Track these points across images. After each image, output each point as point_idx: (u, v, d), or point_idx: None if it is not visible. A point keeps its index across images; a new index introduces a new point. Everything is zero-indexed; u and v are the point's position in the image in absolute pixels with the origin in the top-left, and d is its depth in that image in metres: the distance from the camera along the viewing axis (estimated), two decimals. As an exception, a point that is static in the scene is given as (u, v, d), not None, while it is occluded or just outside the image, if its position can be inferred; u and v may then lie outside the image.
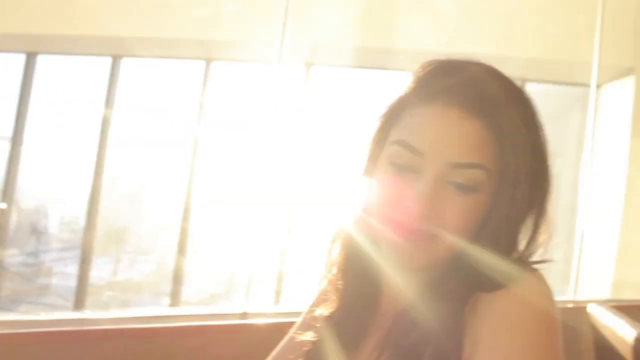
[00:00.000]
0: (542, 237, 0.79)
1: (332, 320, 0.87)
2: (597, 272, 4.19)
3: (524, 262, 0.77)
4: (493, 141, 0.73)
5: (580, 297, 2.65)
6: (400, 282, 0.81)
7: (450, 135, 0.72)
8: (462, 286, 0.74)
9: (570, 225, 3.07)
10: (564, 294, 2.73)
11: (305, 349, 0.88)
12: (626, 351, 1.87)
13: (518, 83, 0.79)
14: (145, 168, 3.66)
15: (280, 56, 1.95)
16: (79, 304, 3.58)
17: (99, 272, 3.76)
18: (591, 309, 2.33)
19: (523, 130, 0.74)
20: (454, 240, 0.74)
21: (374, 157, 0.81)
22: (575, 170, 3.36)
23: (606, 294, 4.11)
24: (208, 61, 3.73)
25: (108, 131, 3.71)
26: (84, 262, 3.66)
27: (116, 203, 3.80)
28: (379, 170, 0.78)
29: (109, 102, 3.79)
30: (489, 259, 0.74)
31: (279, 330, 1.01)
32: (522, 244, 0.78)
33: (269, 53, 1.96)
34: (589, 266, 4.16)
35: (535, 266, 0.76)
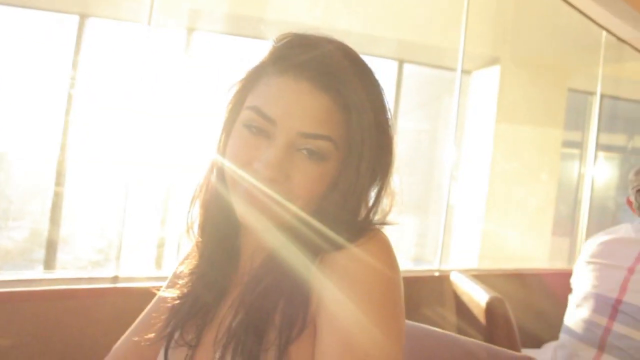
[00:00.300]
0: (385, 205, 0.85)
1: (193, 276, 0.90)
2: (468, 245, 4.50)
3: (367, 225, 0.83)
4: (340, 115, 0.78)
5: (445, 266, 2.85)
6: (254, 240, 0.86)
7: (300, 107, 0.76)
8: (309, 246, 0.79)
9: (440, 202, 3.27)
10: (432, 264, 2.92)
11: (169, 304, 0.90)
12: (480, 313, 2.04)
13: (368, 62, 0.84)
14: (12, 128, 3.40)
15: (150, 17, 1.91)
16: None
17: (-38, 239, 3.47)
18: (453, 277, 2.52)
19: (369, 108, 0.79)
20: (301, 204, 0.79)
21: (230, 120, 0.84)
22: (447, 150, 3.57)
23: (474, 264, 4.42)
24: (82, 17, 3.50)
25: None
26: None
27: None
28: (234, 134, 0.81)
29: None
30: (334, 222, 0.80)
31: (150, 293, 1.03)
32: (365, 211, 0.84)
33: (143, 13, 1.90)
34: (462, 239, 4.46)
35: (379, 228, 0.82)
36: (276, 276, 0.79)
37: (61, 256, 3.44)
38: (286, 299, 0.78)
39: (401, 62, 4.46)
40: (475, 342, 1.21)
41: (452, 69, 3.31)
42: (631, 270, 1.75)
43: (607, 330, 1.72)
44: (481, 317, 2.03)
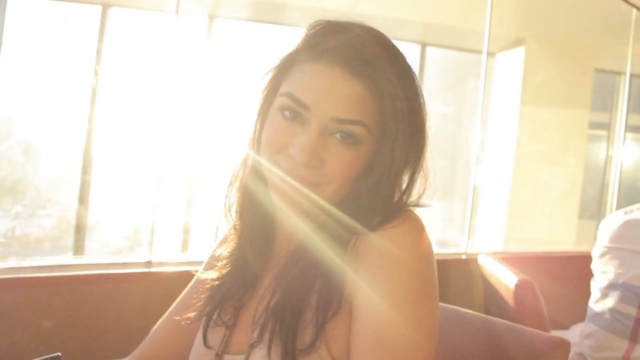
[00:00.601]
0: (419, 188, 0.86)
1: (231, 258, 0.92)
2: (494, 228, 4.47)
3: (400, 207, 0.84)
4: (373, 101, 0.79)
5: (472, 249, 2.84)
6: (290, 223, 0.87)
7: (333, 92, 0.77)
8: (343, 229, 0.81)
9: (466, 186, 3.25)
10: (459, 247, 2.91)
11: (207, 286, 0.92)
12: (509, 296, 2.04)
13: (400, 48, 0.84)
14: (39, 118, 3.45)
15: (178, 5, 1.92)
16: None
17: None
18: (481, 259, 2.51)
19: (401, 94, 0.80)
20: (335, 188, 0.80)
21: (265, 107, 0.86)
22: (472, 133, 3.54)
23: (500, 247, 4.40)
24: (105, 6, 3.51)
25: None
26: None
27: (9, 154, 3.57)
28: (269, 120, 0.83)
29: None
30: (367, 205, 0.82)
31: (182, 277, 1.05)
32: (399, 194, 0.85)
33: (168, 1, 1.92)
34: (487, 222, 4.43)
35: (413, 210, 0.83)
36: (312, 258, 0.81)
37: (89, 243, 3.50)
38: (322, 280, 0.79)
39: (424, 46, 4.42)
40: (505, 323, 1.21)
41: (476, 51, 3.27)
42: None
43: (638, 321, 1.68)
44: (510, 299, 2.03)
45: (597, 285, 1.85)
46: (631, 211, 1.87)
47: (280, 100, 0.81)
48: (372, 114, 0.79)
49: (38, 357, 0.81)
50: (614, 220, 1.88)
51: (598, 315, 1.80)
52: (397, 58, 0.82)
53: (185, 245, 3.19)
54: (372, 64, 0.78)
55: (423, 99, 0.85)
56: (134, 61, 3.23)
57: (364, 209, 0.81)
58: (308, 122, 0.78)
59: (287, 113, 0.80)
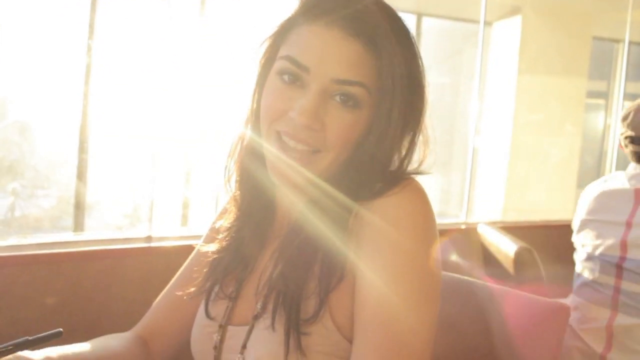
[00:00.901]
0: (419, 153, 0.85)
1: (232, 230, 0.91)
2: (492, 198, 4.48)
3: (401, 173, 0.83)
4: (372, 62, 0.78)
5: (471, 219, 2.84)
6: (289, 196, 0.87)
7: (332, 54, 0.77)
8: (344, 197, 0.80)
9: (465, 156, 3.24)
10: (458, 217, 2.92)
11: (209, 259, 0.92)
12: (508, 263, 2.04)
13: (399, 12, 0.83)
14: (34, 97, 3.43)
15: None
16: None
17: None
18: (481, 229, 2.51)
19: (399, 53, 0.79)
20: (335, 155, 0.80)
21: (264, 74, 0.85)
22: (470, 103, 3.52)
23: (498, 217, 4.41)
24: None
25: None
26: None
27: (4, 134, 3.56)
28: (268, 86, 0.82)
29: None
30: (367, 171, 0.81)
31: (182, 251, 1.04)
32: (399, 160, 0.84)
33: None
34: (485, 192, 4.43)
35: (413, 178, 0.82)
36: (313, 229, 0.80)
37: (89, 222, 3.50)
38: (324, 250, 0.78)
39: (420, 16, 4.38)
40: (505, 289, 1.21)
41: (472, 21, 3.23)
42: (629, 225, 1.69)
43: (617, 289, 1.68)
44: (510, 267, 2.03)
45: (578, 258, 1.86)
46: (605, 181, 1.86)
47: (279, 64, 0.80)
48: (371, 75, 0.78)
49: (40, 333, 0.81)
50: (591, 190, 1.87)
51: (581, 287, 1.81)
52: (394, 19, 0.82)
53: (184, 219, 3.20)
54: (370, 24, 0.78)
55: (422, 61, 0.83)
56: (126, 35, 3.19)
57: (363, 177, 0.81)
58: (308, 85, 0.77)
59: (286, 77, 0.79)
